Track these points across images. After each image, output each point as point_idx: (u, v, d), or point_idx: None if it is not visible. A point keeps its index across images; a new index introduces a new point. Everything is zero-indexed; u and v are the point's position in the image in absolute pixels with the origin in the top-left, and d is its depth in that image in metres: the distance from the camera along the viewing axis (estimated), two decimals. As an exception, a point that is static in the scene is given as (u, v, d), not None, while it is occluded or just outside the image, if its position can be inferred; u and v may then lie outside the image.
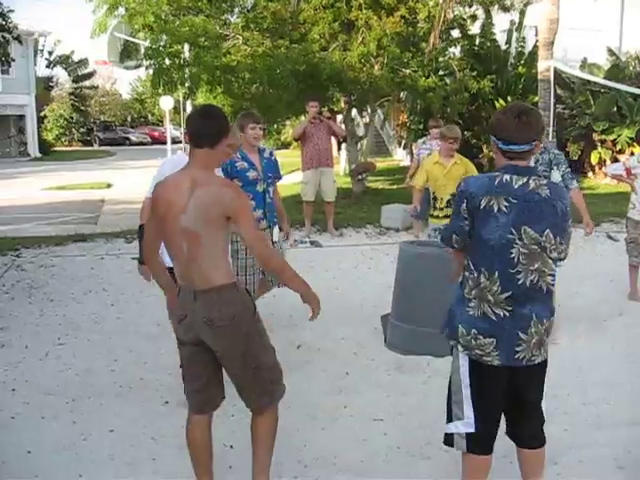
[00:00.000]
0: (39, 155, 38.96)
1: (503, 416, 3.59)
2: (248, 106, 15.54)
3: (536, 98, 14.59)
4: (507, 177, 3.28)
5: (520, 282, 3.27)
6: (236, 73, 14.65)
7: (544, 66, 13.25)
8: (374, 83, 14.64)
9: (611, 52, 21.09)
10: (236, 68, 14.34)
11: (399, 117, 25.98)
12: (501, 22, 20.36)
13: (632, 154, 18.88)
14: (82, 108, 51.61)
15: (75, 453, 4.44)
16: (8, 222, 13.86)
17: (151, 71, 15.76)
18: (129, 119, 63.01)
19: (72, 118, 50.54)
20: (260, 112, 14.85)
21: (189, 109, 22.02)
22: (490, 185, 3.28)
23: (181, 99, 20.03)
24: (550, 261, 3.31)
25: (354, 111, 19.02)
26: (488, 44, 20.26)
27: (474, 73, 16.20)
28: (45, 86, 45.80)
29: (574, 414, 4.99)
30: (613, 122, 19.35)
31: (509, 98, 19.80)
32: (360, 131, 20.25)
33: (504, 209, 3.23)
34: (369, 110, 18.81)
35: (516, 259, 3.25)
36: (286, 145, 35.28)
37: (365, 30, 14.37)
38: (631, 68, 20.57)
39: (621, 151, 19.43)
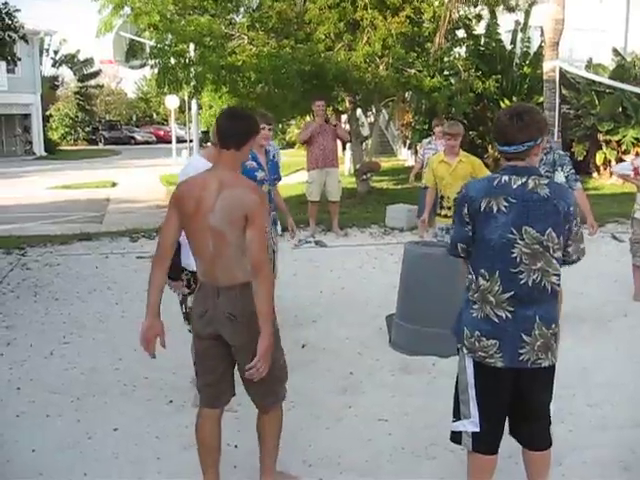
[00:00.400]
0: (44, 154, 39.07)
1: (508, 417, 3.59)
2: (253, 106, 15.55)
3: (541, 98, 14.60)
4: (506, 178, 3.30)
5: (522, 282, 3.26)
6: (241, 73, 14.65)
7: (549, 66, 13.25)
8: (379, 83, 14.64)
9: (616, 52, 21.05)
10: (241, 68, 14.35)
11: (404, 117, 25.96)
12: (506, 22, 20.35)
13: (637, 154, 18.87)
14: (87, 107, 51.78)
15: (79, 451, 4.45)
16: (13, 221, 13.90)
17: (156, 70, 15.76)
18: (134, 118, 63.14)
19: (77, 117, 50.67)
20: (265, 112, 14.99)
21: (194, 108, 22.09)
22: (489, 187, 3.30)
23: (186, 98, 20.09)
24: (554, 261, 3.30)
25: (359, 111, 19.01)
26: (493, 44, 20.26)
27: (479, 73, 16.20)
28: (51, 85, 45.96)
29: (578, 415, 4.98)
30: (618, 122, 19.33)
31: (514, 98, 19.79)
32: (365, 131, 20.27)
33: (503, 209, 3.24)
34: (374, 110, 18.83)
35: (518, 259, 3.24)
36: (291, 145, 35.31)
37: (370, 30, 14.37)
38: (636, 68, 20.53)
39: (626, 151, 19.41)
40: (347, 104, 16.92)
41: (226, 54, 14.31)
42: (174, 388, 5.45)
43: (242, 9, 16.27)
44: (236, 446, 4.48)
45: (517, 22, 20.65)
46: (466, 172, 7.05)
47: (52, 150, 41.03)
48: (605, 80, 18.05)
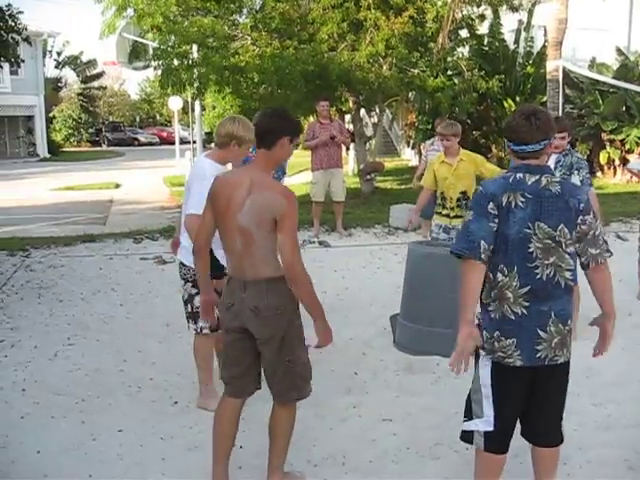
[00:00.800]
0: (48, 156, 39.08)
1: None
2: (257, 107, 15.56)
3: (544, 98, 14.59)
4: (520, 175, 3.36)
5: (538, 277, 3.30)
6: (244, 73, 14.68)
7: (553, 66, 13.23)
8: (382, 83, 14.65)
9: (620, 52, 21.02)
10: (244, 68, 14.37)
11: (407, 117, 25.98)
12: (509, 22, 20.34)
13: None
14: (91, 109, 51.84)
15: (84, 453, 4.44)
16: (17, 222, 13.92)
17: (160, 72, 15.81)
18: (138, 119, 63.21)
19: (81, 119, 50.72)
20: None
21: (197, 109, 22.10)
22: (506, 183, 3.35)
23: (189, 99, 20.07)
24: (567, 256, 3.34)
25: (362, 111, 19.02)
26: (496, 44, 20.27)
27: (482, 73, 16.21)
28: (54, 87, 46.00)
29: (583, 414, 4.97)
30: (622, 122, 19.31)
31: (517, 98, 19.81)
32: (368, 131, 20.26)
33: (520, 204, 3.29)
34: (377, 110, 18.83)
35: (534, 254, 3.30)
36: (295, 145, 35.29)
37: (373, 30, 14.38)
38: (640, 68, 20.51)
39: (630, 151, 19.39)
40: (351, 104, 16.93)
41: (229, 55, 14.33)
42: (179, 389, 5.45)
43: (245, 10, 16.28)
44: (241, 447, 4.47)
45: (520, 22, 20.65)
46: (468, 171, 7.04)
47: (55, 152, 41.05)
48: (608, 79, 18.04)
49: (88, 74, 50.14)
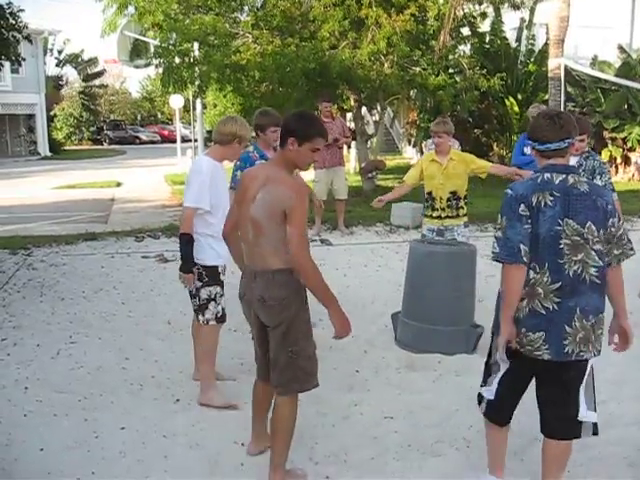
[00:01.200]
0: (49, 154, 39.13)
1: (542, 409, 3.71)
2: (258, 105, 15.55)
3: (546, 96, 14.58)
4: (547, 175, 3.48)
5: (566, 272, 3.41)
6: (246, 71, 14.68)
7: (554, 64, 13.23)
8: (384, 81, 14.65)
9: (622, 49, 21.00)
10: (246, 66, 14.37)
11: (409, 115, 25.97)
12: (511, 20, 20.33)
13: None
14: (92, 107, 51.85)
15: (87, 450, 4.46)
16: (18, 221, 13.93)
17: (161, 70, 15.83)
18: (139, 118, 63.22)
19: (82, 117, 50.73)
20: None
21: (199, 107, 22.10)
22: (534, 184, 3.47)
23: (191, 97, 20.08)
24: (593, 253, 3.44)
25: (364, 109, 19.01)
26: (498, 42, 20.26)
27: (484, 71, 16.22)
28: (55, 85, 46.00)
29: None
30: (624, 120, 19.29)
31: (519, 96, 19.81)
32: (370, 129, 20.26)
33: (550, 203, 3.40)
34: (379, 108, 18.81)
35: (564, 250, 3.40)
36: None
37: (375, 28, 14.37)
38: (642, 65, 20.49)
39: (632, 149, 19.37)
40: (352, 102, 16.94)
41: (230, 53, 14.33)
42: (181, 387, 5.46)
43: (246, 8, 16.29)
44: (242, 444, 4.49)
45: (522, 20, 20.65)
46: (458, 170, 6.88)
47: (57, 150, 41.09)
48: (610, 77, 18.02)
49: (89, 72, 50.15)
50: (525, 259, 3.39)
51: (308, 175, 15.72)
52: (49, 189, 20.75)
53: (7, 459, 4.32)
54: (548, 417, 3.65)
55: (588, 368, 3.60)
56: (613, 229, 3.49)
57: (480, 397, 3.87)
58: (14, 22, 11.78)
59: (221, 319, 5.23)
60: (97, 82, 52.17)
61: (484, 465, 4.24)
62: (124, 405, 5.14)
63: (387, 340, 6.56)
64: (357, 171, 19.78)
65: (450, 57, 16.42)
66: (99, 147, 49.49)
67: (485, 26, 19.59)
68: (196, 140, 22.03)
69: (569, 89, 18.56)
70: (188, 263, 5.00)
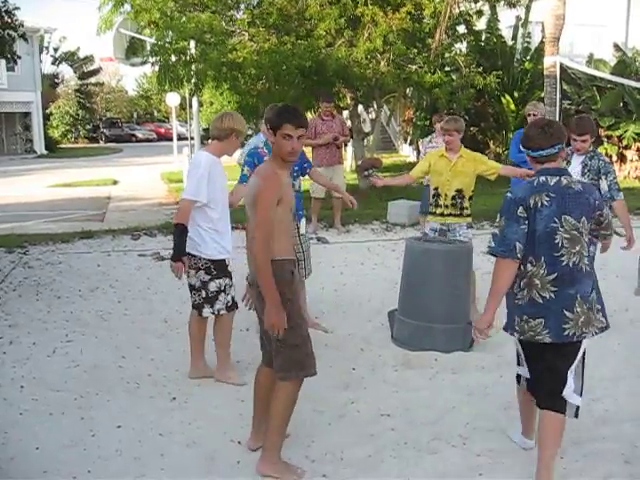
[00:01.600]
0: (45, 152, 39.03)
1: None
2: (254, 102, 15.55)
3: (542, 94, 14.57)
4: (542, 178, 3.88)
5: (564, 264, 3.79)
6: (242, 69, 14.64)
7: (550, 62, 13.21)
8: (380, 79, 14.64)
9: (617, 48, 21.03)
10: (242, 64, 14.34)
11: (405, 113, 25.98)
12: (507, 18, 20.34)
13: (639, 150, 18.88)
14: (88, 105, 51.71)
15: (83, 449, 4.46)
16: (14, 219, 13.90)
17: (157, 68, 15.79)
18: (135, 116, 63.08)
19: (78, 115, 50.59)
20: (266, 108, 14.98)
21: (195, 105, 22.07)
22: (532, 187, 3.86)
23: (187, 95, 20.04)
24: (585, 244, 3.86)
25: (360, 107, 19.00)
26: (494, 40, 20.26)
27: (480, 69, 16.18)
28: (51, 83, 45.91)
29: (580, 409, 4.98)
30: (619, 118, 19.31)
31: (515, 94, 19.81)
32: (366, 127, 20.23)
33: (546, 203, 3.78)
34: (375, 106, 18.79)
35: (560, 244, 3.79)
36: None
37: (371, 26, 14.35)
38: (637, 64, 20.50)
39: (627, 147, 19.39)
40: (348, 100, 16.92)
41: (227, 51, 14.29)
42: (177, 385, 5.46)
43: (242, 6, 16.24)
44: (239, 442, 4.49)
45: (518, 18, 20.66)
46: (467, 169, 6.81)
47: (53, 148, 41.01)
48: (606, 75, 18.03)
49: (85, 70, 50.04)
50: (519, 255, 3.80)
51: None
52: (45, 187, 20.71)
53: (3, 458, 4.32)
54: (538, 388, 4.06)
55: (581, 351, 3.98)
56: (602, 218, 3.94)
57: (518, 376, 4.25)
58: (10, 20, 11.75)
59: (231, 307, 5.46)
60: (93, 80, 52.04)
61: (480, 462, 4.26)
62: (120, 403, 5.14)
63: (383, 338, 6.56)
64: (353, 169, 19.78)
65: (446, 55, 16.39)
66: (95, 145, 49.37)
67: (481, 24, 19.57)
68: (192, 138, 21.99)
69: (565, 87, 18.55)
70: (179, 252, 5.17)
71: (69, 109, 49.84)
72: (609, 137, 19.66)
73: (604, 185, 6.20)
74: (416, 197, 12.44)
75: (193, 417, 4.89)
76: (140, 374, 5.71)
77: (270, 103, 14.56)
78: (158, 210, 15.28)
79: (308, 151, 12.65)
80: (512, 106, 19.62)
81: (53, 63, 47.76)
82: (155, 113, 63.73)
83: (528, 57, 20.54)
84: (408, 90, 17.99)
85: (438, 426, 4.76)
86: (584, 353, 4.02)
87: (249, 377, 4.49)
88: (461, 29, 17.62)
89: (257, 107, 15.85)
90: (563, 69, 14.82)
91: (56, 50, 47.24)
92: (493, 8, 19.00)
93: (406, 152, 28.89)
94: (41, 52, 42.89)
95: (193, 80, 15.45)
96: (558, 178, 3.86)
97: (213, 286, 5.33)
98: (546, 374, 3.99)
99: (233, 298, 5.43)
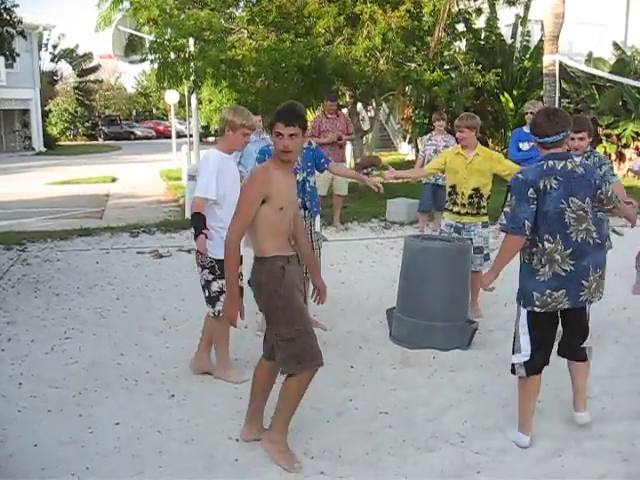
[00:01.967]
0: (44, 149, 38.97)
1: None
2: (253, 100, 15.53)
3: (541, 92, 14.57)
4: (550, 162, 4.24)
5: (573, 240, 4.21)
6: (241, 67, 14.65)
7: (549, 60, 13.23)
8: (379, 77, 14.64)
9: (616, 46, 21.03)
10: (241, 62, 14.34)
11: (404, 111, 25.95)
12: (506, 16, 20.34)
13: (637, 149, 18.88)
14: (87, 102, 51.59)
15: (81, 446, 4.46)
16: (13, 217, 13.90)
17: (156, 65, 15.77)
18: (134, 113, 62.99)
19: (77, 112, 50.47)
20: (265, 106, 14.97)
21: (194, 103, 22.06)
22: (541, 171, 4.21)
23: (186, 93, 20.02)
24: (591, 221, 4.28)
25: (359, 105, 19.00)
26: (493, 38, 20.26)
27: (479, 67, 16.18)
28: (49, 80, 45.86)
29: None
30: (618, 116, 19.32)
31: (514, 92, 19.79)
32: (365, 125, 20.22)
33: (554, 186, 4.17)
34: (374, 104, 18.79)
35: (568, 223, 4.20)
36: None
37: (370, 24, 14.35)
38: (636, 62, 20.49)
39: (626, 145, 19.40)
40: (347, 98, 16.92)
41: (226, 48, 14.30)
42: (176, 382, 5.46)
43: (242, 3, 16.25)
44: (237, 440, 4.49)
45: (517, 16, 20.65)
46: (484, 167, 6.74)
47: (51, 145, 40.93)
48: (605, 74, 18.03)
49: (84, 67, 49.94)
50: (527, 232, 4.19)
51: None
52: (44, 184, 20.70)
53: (2, 455, 4.32)
54: (564, 344, 4.57)
55: (588, 312, 4.65)
56: (602, 195, 4.36)
57: (513, 367, 4.46)
58: (8, 17, 11.72)
59: None
60: (92, 77, 51.94)
61: (478, 460, 4.27)
62: (119, 400, 5.14)
63: (382, 336, 6.56)
64: (352, 167, 19.77)
65: (445, 53, 16.41)
66: (94, 142, 49.26)
67: (480, 22, 19.57)
68: (191, 135, 21.96)
69: (564, 85, 18.55)
70: (197, 229, 5.14)
71: (68, 106, 49.72)
72: (608, 136, 19.67)
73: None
74: (415, 195, 12.45)
75: (191, 414, 4.89)
76: (138, 371, 5.71)
77: (269, 101, 14.64)
78: (157, 207, 15.28)
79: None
80: (511, 104, 19.62)
81: (52, 60, 47.69)
82: (154, 111, 63.63)
83: (527, 55, 20.54)
84: (407, 88, 17.99)
85: (436, 424, 4.76)
86: None
87: (248, 375, 4.50)
88: (460, 27, 17.63)
89: (256, 105, 15.83)
90: (562, 67, 14.85)
91: (55, 47, 47.17)
92: (492, 6, 19.01)
93: (405, 150, 28.88)
94: (40, 49, 42.81)
95: (192, 77, 15.44)
96: (564, 162, 4.23)
97: (215, 286, 5.33)
98: (568, 332, 4.52)
99: None
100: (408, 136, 25.84)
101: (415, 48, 15.05)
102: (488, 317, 7.08)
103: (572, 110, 19.99)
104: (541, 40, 17.48)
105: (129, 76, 63.74)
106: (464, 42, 18.39)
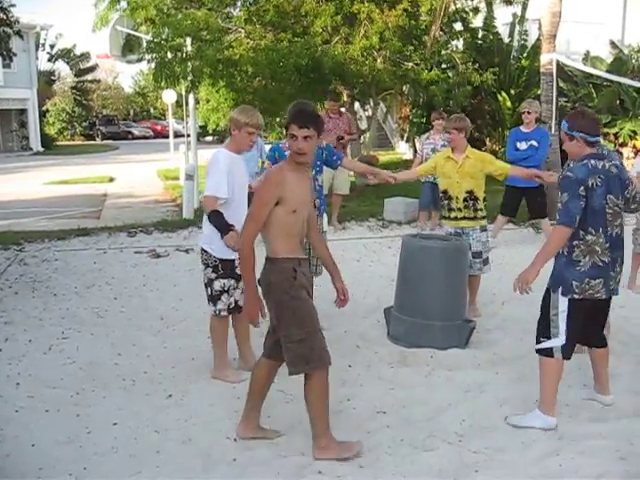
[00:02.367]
0: (41, 149, 38.93)
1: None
2: (251, 100, 15.51)
3: (539, 91, 14.56)
4: (593, 162, 4.57)
5: (610, 234, 4.58)
6: (238, 67, 14.63)
7: (547, 59, 13.21)
8: (376, 76, 14.62)
9: (614, 45, 21.02)
10: (238, 62, 14.32)
11: (402, 110, 25.93)
12: (503, 15, 20.32)
13: (634, 147, 18.88)
14: (84, 102, 51.54)
15: (79, 446, 4.45)
16: (10, 216, 13.89)
17: (153, 65, 15.74)
18: (131, 113, 62.98)
19: (74, 112, 50.45)
20: (262, 105, 14.96)
21: (191, 103, 22.05)
22: (588, 170, 4.51)
23: (183, 93, 20.01)
24: (622, 218, 4.69)
25: (357, 104, 18.98)
26: (490, 37, 20.23)
27: (477, 66, 16.16)
28: (47, 80, 45.78)
29: (575, 406, 5.00)
30: (615, 115, 19.31)
31: (512, 91, 19.79)
32: (363, 124, 20.19)
33: (599, 184, 4.50)
34: (372, 103, 18.78)
35: (607, 218, 4.56)
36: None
37: (367, 23, 14.33)
38: (633, 61, 20.49)
39: (623, 144, 19.40)
40: (345, 97, 16.90)
41: (223, 48, 14.27)
42: (173, 382, 5.46)
43: (239, 3, 16.22)
44: (235, 440, 4.49)
45: (514, 15, 20.63)
46: (474, 169, 6.69)
47: (49, 145, 40.88)
48: (602, 73, 18.01)
49: (81, 67, 49.83)
50: (576, 225, 4.48)
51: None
52: (41, 184, 20.68)
53: (-1, 455, 4.32)
54: (591, 334, 4.91)
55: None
56: (628, 195, 4.72)
57: (550, 351, 4.67)
58: (5, 17, 11.73)
59: (233, 310, 5.42)
60: (89, 77, 51.84)
61: (476, 459, 4.26)
62: (116, 400, 5.14)
63: (379, 335, 6.56)
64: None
65: (443, 52, 16.39)
66: (91, 142, 49.22)
67: (477, 21, 19.55)
68: (189, 135, 21.96)
69: (561, 84, 18.53)
70: (224, 228, 5.06)
71: (65, 106, 49.71)
72: (605, 134, 19.65)
73: None
74: (412, 194, 12.46)
75: (189, 414, 4.89)
76: (136, 371, 5.70)
77: (267, 100, 14.61)
78: (154, 207, 15.28)
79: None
80: (508, 103, 19.61)
81: (49, 60, 47.62)
82: (151, 110, 63.61)
83: (525, 54, 20.52)
84: (404, 87, 17.96)
85: (434, 423, 4.76)
86: None
87: (245, 375, 4.49)
88: (457, 26, 17.62)
89: (253, 104, 15.81)
90: (560, 66, 14.80)
91: (52, 47, 47.09)
92: (489, 5, 19.00)
93: (402, 149, 28.85)
94: (37, 49, 42.79)
95: (189, 77, 15.39)
96: (603, 162, 4.58)
97: (217, 285, 5.33)
98: (596, 323, 4.90)
99: (237, 301, 5.38)
100: (405, 135, 25.82)
101: (412, 47, 15.03)
102: (486, 316, 7.08)
103: (570, 109, 20.02)
104: (538, 39, 17.46)
105: (126, 76, 63.86)
106: (461, 41, 18.37)
